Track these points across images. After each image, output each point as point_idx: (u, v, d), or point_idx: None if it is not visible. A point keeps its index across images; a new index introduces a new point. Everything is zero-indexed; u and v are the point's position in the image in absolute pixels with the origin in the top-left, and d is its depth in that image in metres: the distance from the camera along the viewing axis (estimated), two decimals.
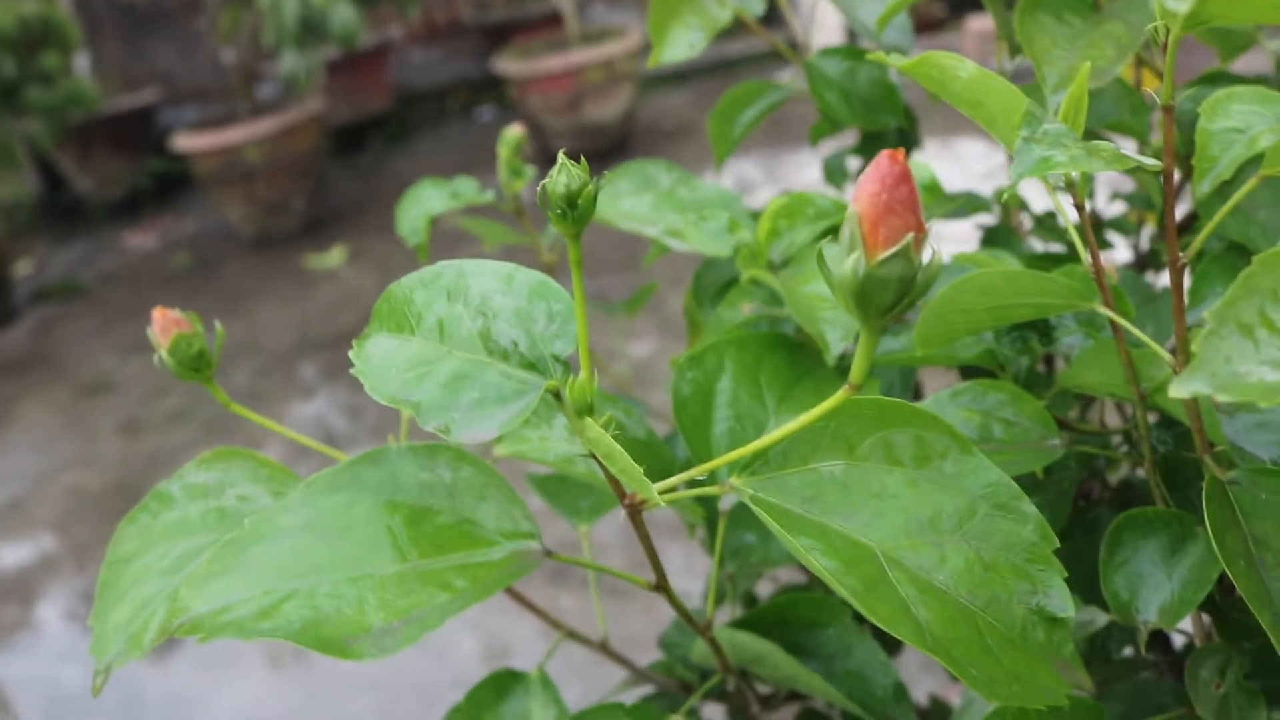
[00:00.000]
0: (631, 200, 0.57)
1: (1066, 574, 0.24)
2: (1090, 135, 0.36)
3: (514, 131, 0.59)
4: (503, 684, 0.41)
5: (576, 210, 0.25)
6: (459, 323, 0.28)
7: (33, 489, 1.97)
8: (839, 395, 0.24)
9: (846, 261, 0.22)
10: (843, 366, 0.39)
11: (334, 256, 2.89)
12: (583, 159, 0.26)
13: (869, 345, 0.23)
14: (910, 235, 0.21)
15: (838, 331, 0.38)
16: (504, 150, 0.58)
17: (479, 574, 0.29)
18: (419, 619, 0.28)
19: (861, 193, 0.22)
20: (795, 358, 0.39)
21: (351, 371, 0.29)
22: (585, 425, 0.25)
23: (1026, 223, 0.58)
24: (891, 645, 0.46)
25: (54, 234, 3.42)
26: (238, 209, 2.92)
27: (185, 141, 2.84)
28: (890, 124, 0.57)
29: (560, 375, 0.27)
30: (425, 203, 0.57)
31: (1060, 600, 0.24)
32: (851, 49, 0.57)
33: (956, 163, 2.42)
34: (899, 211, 0.21)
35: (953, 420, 0.35)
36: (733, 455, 0.26)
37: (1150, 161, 0.27)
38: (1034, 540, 0.24)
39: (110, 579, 0.36)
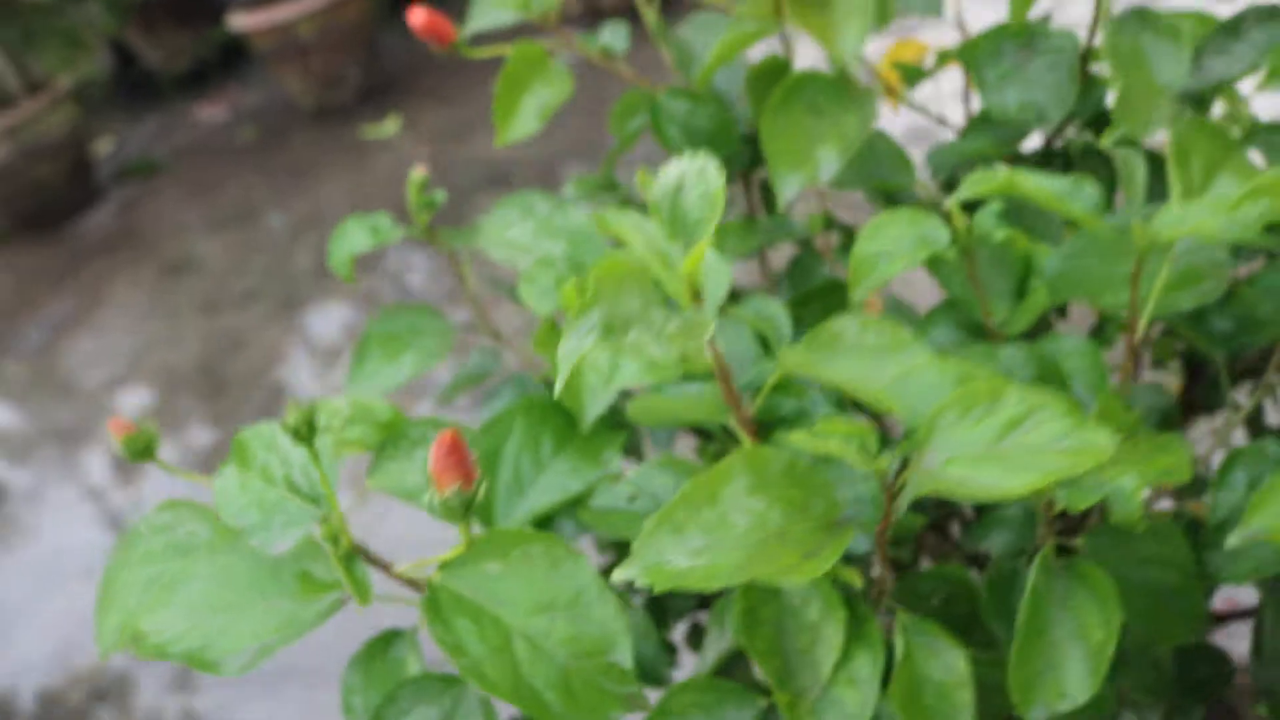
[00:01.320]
0: (517, 229, 0.71)
1: (629, 640, 0.39)
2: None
3: (419, 173, 0.73)
4: (389, 639, 0.59)
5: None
6: (273, 467, 0.44)
7: (127, 369, 2.25)
8: (496, 531, 0.40)
9: (426, 496, 0.37)
10: (598, 428, 0.53)
11: (389, 126, 3.04)
12: None
13: (464, 537, 0.39)
14: (459, 483, 0.36)
15: (597, 404, 0.52)
16: (411, 190, 0.72)
17: (306, 614, 0.46)
18: (268, 645, 0.45)
19: (430, 457, 0.36)
20: (570, 421, 0.54)
21: (214, 490, 0.46)
22: (334, 545, 0.41)
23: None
24: None
25: (130, 110, 3.64)
26: (295, 83, 3.07)
27: (240, 20, 2.97)
28: (725, 153, 0.69)
29: (327, 509, 0.43)
30: (349, 240, 0.72)
31: (624, 657, 0.39)
32: (691, 93, 0.68)
33: None
34: (452, 469, 0.36)
35: None
36: (434, 559, 0.41)
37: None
38: (610, 619, 0.39)
39: (106, 589, 0.54)
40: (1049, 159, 0.60)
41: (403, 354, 0.73)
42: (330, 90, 3.09)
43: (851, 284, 0.48)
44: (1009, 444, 0.32)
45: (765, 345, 0.59)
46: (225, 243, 2.64)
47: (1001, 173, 0.41)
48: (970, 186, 0.41)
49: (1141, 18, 0.49)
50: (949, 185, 0.63)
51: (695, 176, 0.38)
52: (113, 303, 2.51)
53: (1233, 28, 0.57)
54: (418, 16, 0.60)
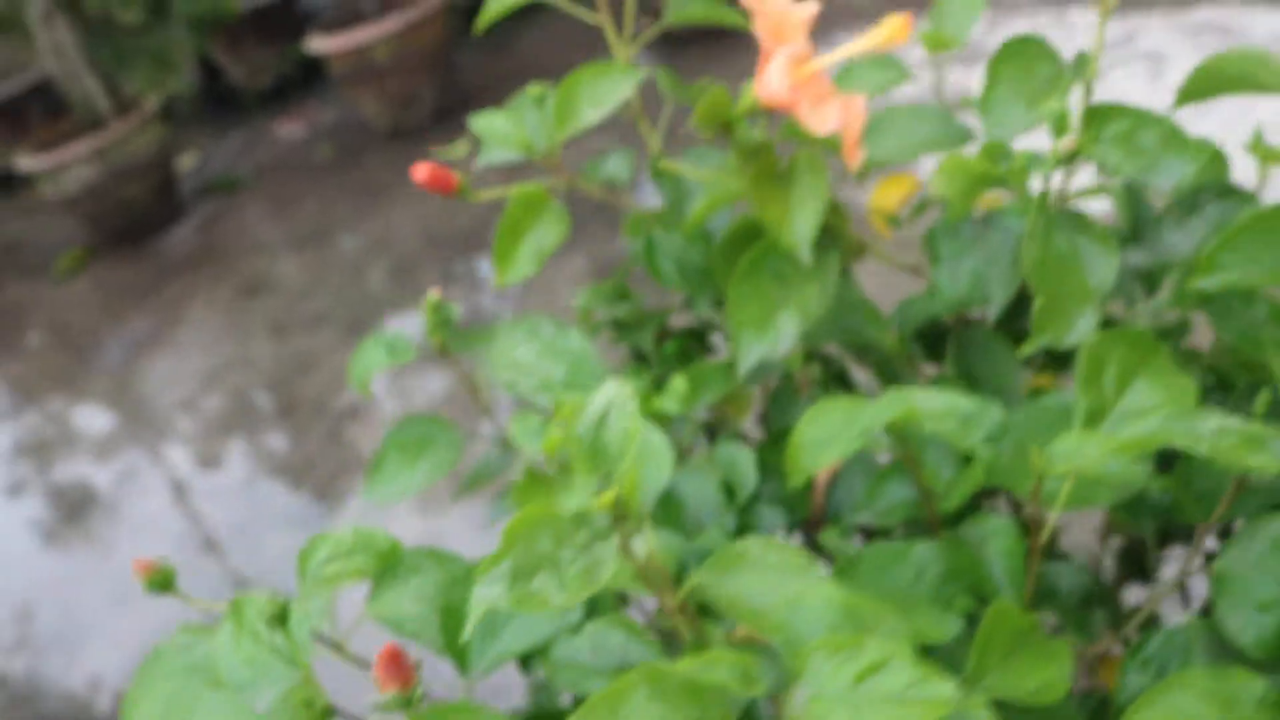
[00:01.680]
0: (522, 350, 0.77)
1: None
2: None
3: (434, 294, 0.79)
4: None
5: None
6: (262, 631, 0.51)
7: (199, 390, 2.38)
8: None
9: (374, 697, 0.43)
10: None
11: (459, 148, 3.13)
12: None
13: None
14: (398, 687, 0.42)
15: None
16: (428, 311, 0.79)
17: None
18: None
19: (375, 664, 0.42)
20: None
21: (213, 644, 0.52)
22: (306, 709, 0.47)
23: None
24: None
25: (214, 125, 3.80)
26: (371, 104, 3.18)
27: (318, 43, 3.09)
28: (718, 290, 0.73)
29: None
30: (368, 359, 0.79)
31: None
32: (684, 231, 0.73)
33: None
34: (392, 676, 0.42)
35: None
36: None
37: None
38: None
39: (131, 698, 0.62)
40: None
41: (417, 462, 0.80)
42: (405, 111, 3.19)
43: (790, 470, 0.52)
44: (864, 689, 0.37)
45: (730, 494, 0.64)
46: (298, 264, 2.76)
47: (903, 400, 0.45)
48: (876, 413, 0.46)
49: (1075, 221, 0.52)
50: (918, 336, 0.67)
51: (617, 410, 0.43)
52: (190, 322, 2.65)
53: (1190, 202, 0.60)
54: (420, 172, 0.66)
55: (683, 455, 0.69)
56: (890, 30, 0.53)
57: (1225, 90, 0.60)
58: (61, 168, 2.84)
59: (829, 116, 0.52)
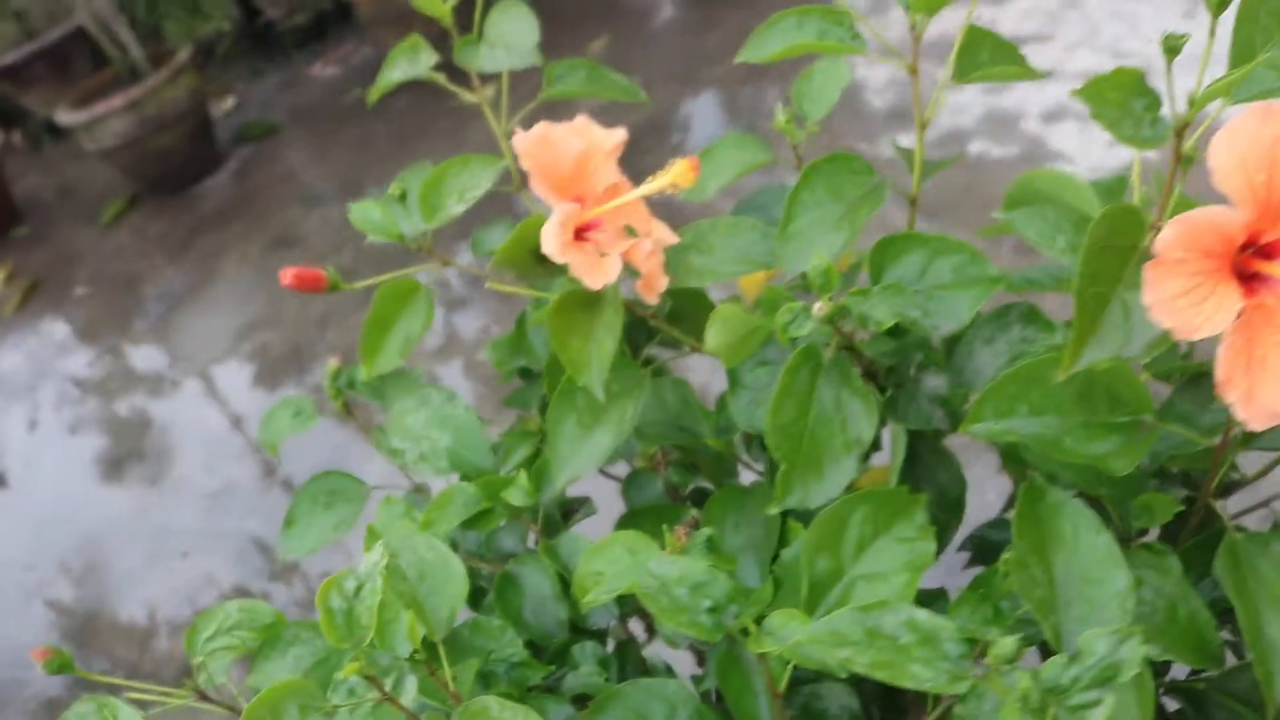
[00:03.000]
0: (412, 418, 0.82)
1: None
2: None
3: (333, 364, 0.84)
4: None
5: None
6: None
7: (228, 349, 2.49)
8: None
9: None
10: None
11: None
12: None
13: None
14: None
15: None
16: (328, 378, 0.84)
17: None
18: None
19: None
20: None
21: None
22: None
23: None
24: None
25: (251, 67, 3.87)
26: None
27: None
28: None
29: None
30: (277, 426, 0.85)
31: None
32: None
33: None
34: None
35: None
36: None
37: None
38: None
39: None
40: None
41: (326, 514, 0.86)
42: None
43: (577, 595, 0.57)
44: None
45: (565, 584, 0.69)
46: (325, 217, 2.83)
47: (642, 562, 0.49)
48: (637, 564, 0.51)
49: (843, 374, 0.55)
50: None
51: (370, 586, 0.49)
52: (223, 279, 2.76)
53: (1001, 320, 0.62)
54: (286, 278, 0.71)
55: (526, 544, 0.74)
56: (677, 173, 0.56)
57: (1039, 202, 0.62)
58: (97, 120, 2.95)
59: (606, 272, 0.55)
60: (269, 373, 2.36)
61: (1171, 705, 0.62)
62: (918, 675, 0.42)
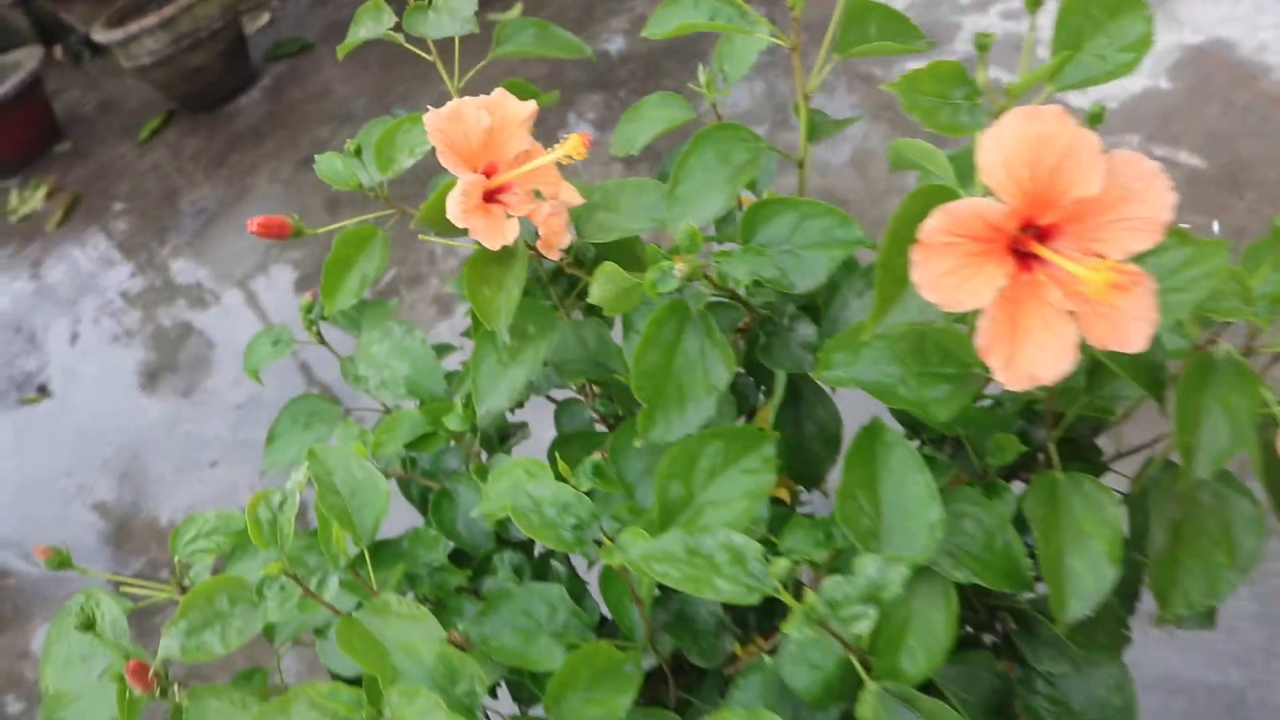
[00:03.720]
0: (377, 347, 0.91)
1: None
2: None
3: (306, 299, 0.94)
4: None
5: None
6: (102, 623, 0.69)
7: (259, 265, 2.61)
8: None
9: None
10: None
11: (514, 10, 3.19)
12: None
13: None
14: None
15: None
16: (301, 310, 0.94)
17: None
18: None
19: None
20: None
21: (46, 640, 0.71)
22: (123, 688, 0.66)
23: None
24: None
25: None
26: None
27: None
28: None
29: None
30: (258, 354, 0.95)
31: None
32: None
33: None
34: (139, 678, 0.59)
35: None
36: None
37: None
38: None
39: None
40: None
41: (305, 434, 0.97)
42: None
43: (483, 507, 0.67)
44: None
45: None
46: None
47: (523, 485, 0.58)
48: (524, 485, 0.60)
49: (705, 326, 0.63)
50: None
51: (290, 500, 0.59)
52: (256, 195, 2.87)
53: (871, 274, 0.69)
54: (253, 226, 0.79)
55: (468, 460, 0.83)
56: (569, 146, 0.64)
57: (911, 168, 0.68)
58: (131, 38, 3.04)
59: (504, 234, 0.64)
60: (299, 288, 2.47)
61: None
62: (720, 588, 0.51)
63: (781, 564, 0.49)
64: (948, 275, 0.48)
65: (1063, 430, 0.67)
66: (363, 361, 0.90)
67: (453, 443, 0.84)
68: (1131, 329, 0.49)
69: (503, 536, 0.78)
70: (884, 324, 0.53)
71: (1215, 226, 1.66)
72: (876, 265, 0.52)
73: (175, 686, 0.66)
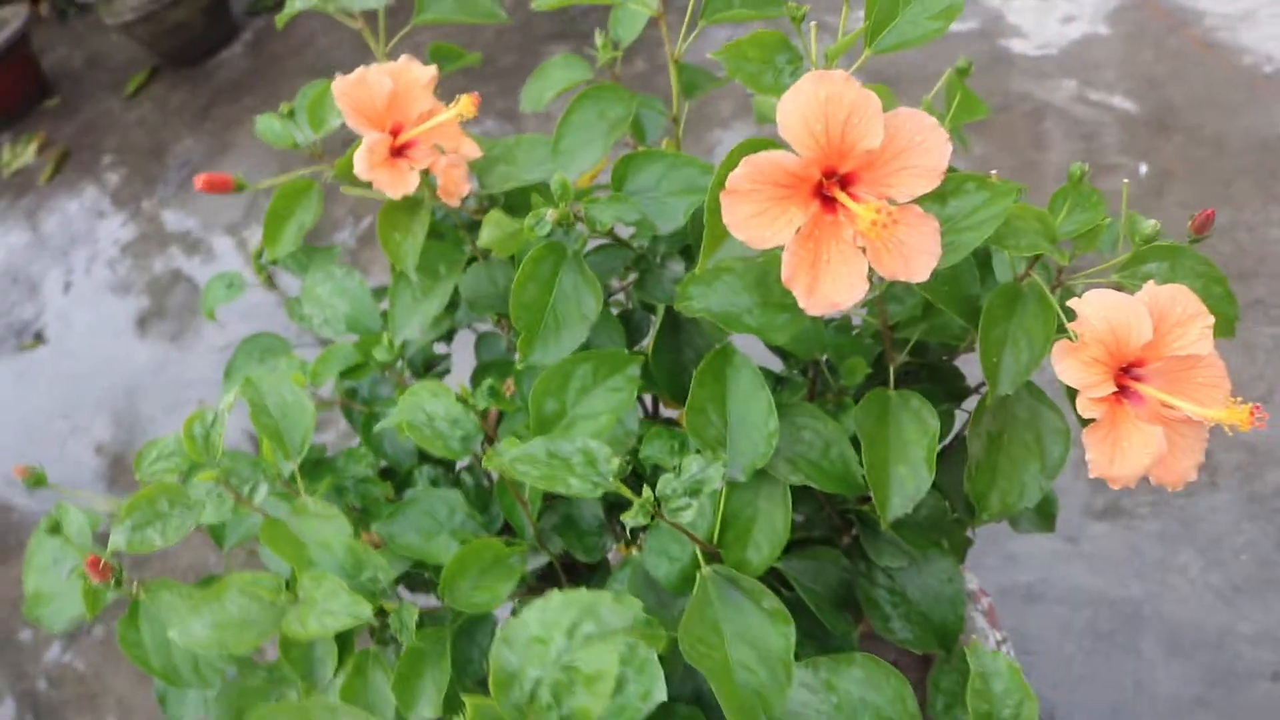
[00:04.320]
0: (321, 288, 0.99)
1: None
2: None
3: (256, 247, 1.02)
4: None
5: None
6: (70, 534, 0.78)
7: (244, 216, 2.68)
8: None
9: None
10: None
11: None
12: None
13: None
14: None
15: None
16: (253, 258, 1.02)
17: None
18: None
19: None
20: None
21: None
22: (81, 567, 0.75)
23: None
24: None
25: None
26: None
27: None
28: None
29: None
30: (212, 294, 1.03)
31: None
32: None
33: None
34: (96, 571, 0.68)
35: None
36: None
37: None
38: None
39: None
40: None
41: (260, 366, 1.05)
42: None
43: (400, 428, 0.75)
44: (325, 604, 0.61)
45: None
46: None
47: (419, 402, 0.67)
48: (432, 403, 0.68)
49: (579, 266, 0.71)
50: None
51: (219, 421, 0.67)
52: (238, 149, 2.93)
53: None
54: (198, 182, 0.87)
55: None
56: (461, 106, 0.72)
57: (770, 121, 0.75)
58: None
59: (405, 185, 0.71)
60: None
61: None
62: (571, 484, 0.60)
63: (615, 463, 0.58)
64: (754, 217, 0.56)
65: (907, 354, 0.76)
66: (308, 301, 0.99)
67: (386, 373, 0.93)
68: (917, 262, 0.57)
69: (425, 453, 0.86)
70: (713, 260, 0.61)
71: (1143, 168, 1.73)
72: (705, 209, 0.60)
73: (135, 583, 0.75)
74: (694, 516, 0.58)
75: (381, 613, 0.65)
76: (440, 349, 0.98)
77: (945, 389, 0.79)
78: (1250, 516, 1.38)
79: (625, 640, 0.52)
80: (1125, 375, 0.60)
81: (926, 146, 0.56)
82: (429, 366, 0.94)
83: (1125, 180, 0.79)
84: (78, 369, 2.42)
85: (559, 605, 0.45)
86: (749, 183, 0.55)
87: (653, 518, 0.59)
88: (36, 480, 0.86)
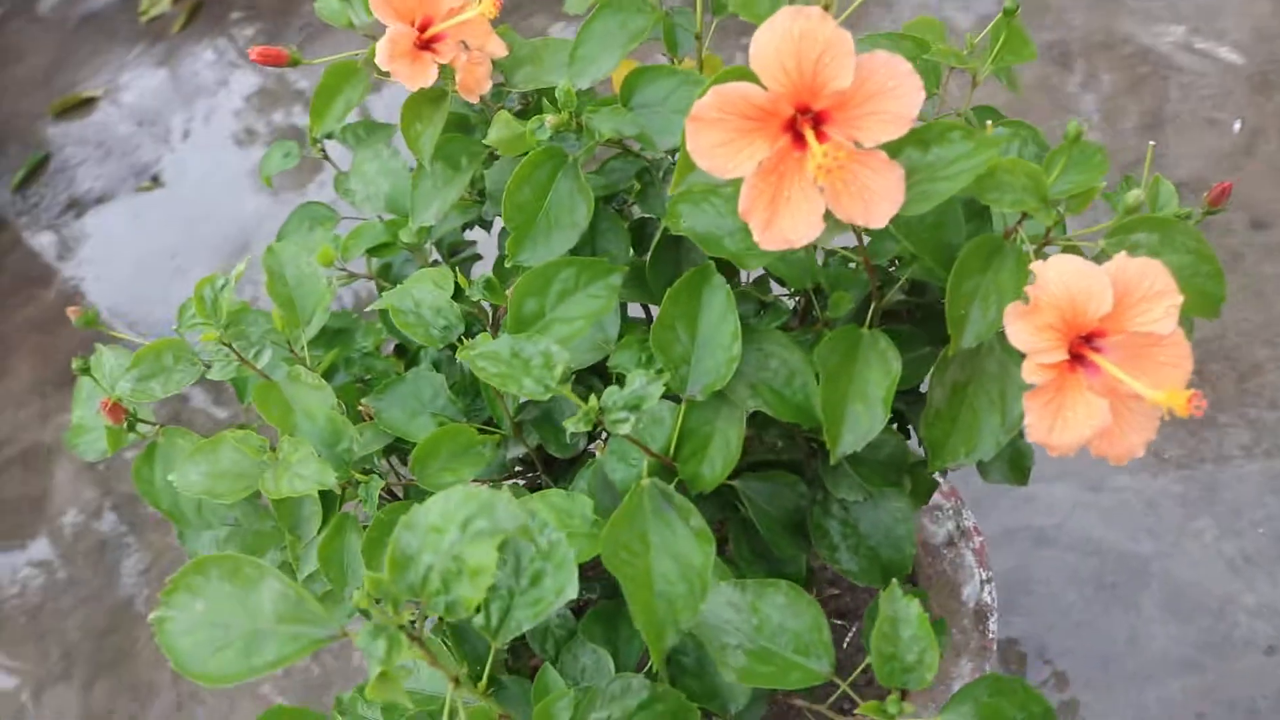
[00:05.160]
0: (369, 165, 1.00)
1: None
2: None
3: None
4: None
5: None
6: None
7: None
8: None
9: None
10: None
11: None
12: None
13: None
14: None
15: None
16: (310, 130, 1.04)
17: None
18: None
19: None
20: None
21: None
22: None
23: None
24: None
25: None
26: None
27: None
28: None
29: None
30: (271, 162, 1.06)
31: None
32: None
33: None
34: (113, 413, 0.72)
35: None
36: None
37: None
38: None
39: None
40: None
41: (310, 234, 1.08)
42: None
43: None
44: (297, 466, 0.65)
45: None
46: None
47: (409, 294, 0.68)
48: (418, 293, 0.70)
49: (574, 173, 0.70)
50: None
51: (228, 287, 0.70)
52: None
53: None
54: (254, 54, 0.88)
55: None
56: (484, 6, 0.71)
57: None
58: None
59: (423, 77, 0.72)
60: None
61: None
62: (525, 385, 0.61)
63: (559, 369, 0.59)
64: (719, 146, 0.55)
65: (905, 293, 0.74)
66: (355, 176, 1.01)
67: (414, 254, 0.95)
68: (877, 208, 0.56)
69: None
70: (685, 184, 0.61)
71: (1236, 125, 1.63)
72: (684, 134, 0.59)
73: (157, 428, 0.79)
74: (632, 430, 0.59)
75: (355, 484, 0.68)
76: (473, 237, 1.00)
77: (932, 332, 0.78)
78: (1275, 491, 1.33)
79: (550, 537, 0.54)
80: (1084, 344, 0.58)
81: (899, 93, 0.54)
82: (454, 253, 0.95)
83: (1151, 143, 0.75)
84: (190, 214, 2.51)
85: (459, 500, 0.46)
86: (715, 111, 0.54)
87: (596, 426, 0.60)
88: (86, 321, 0.91)
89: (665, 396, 0.69)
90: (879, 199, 0.56)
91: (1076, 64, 1.76)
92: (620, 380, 0.63)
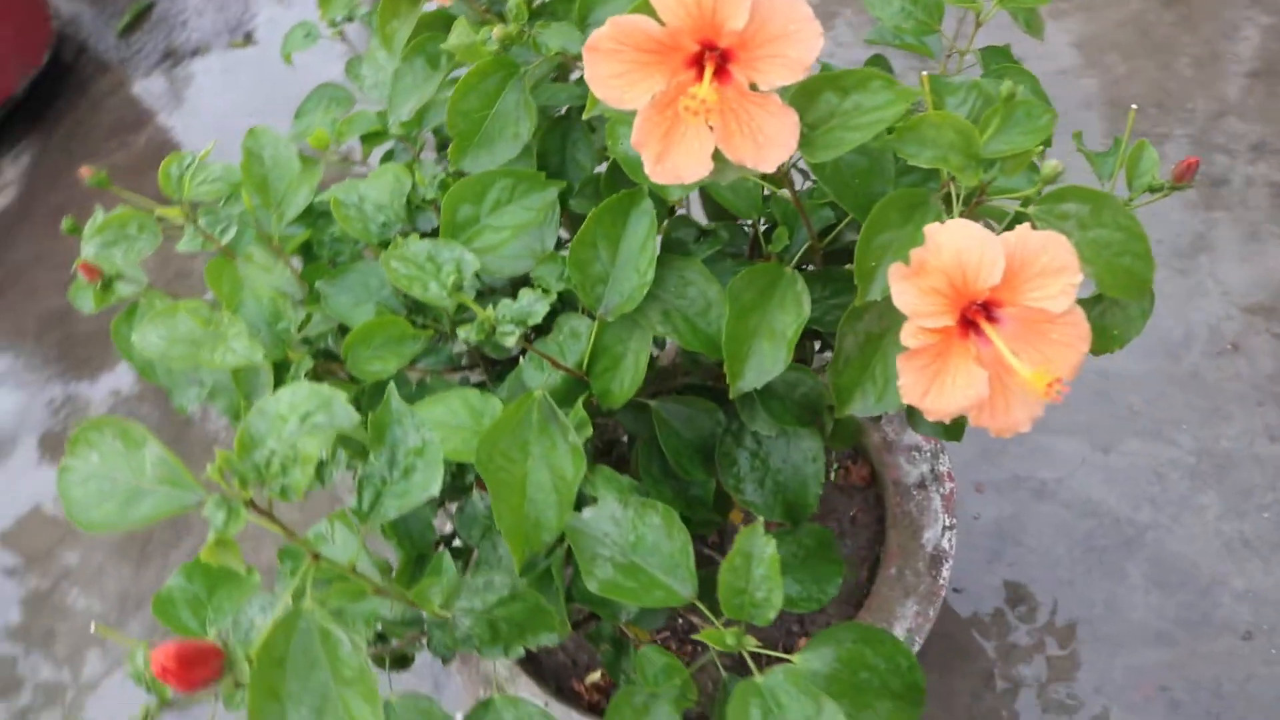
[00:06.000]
0: (380, 53, 1.03)
1: None
2: None
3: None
4: None
5: None
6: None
7: None
8: None
9: None
10: None
11: None
12: None
13: None
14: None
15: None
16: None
17: None
18: None
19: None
20: None
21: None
22: None
23: None
24: None
25: None
26: None
27: None
28: None
29: None
30: (292, 41, 1.09)
31: None
32: None
33: None
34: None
35: None
36: None
37: None
38: None
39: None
40: None
41: (326, 113, 1.12)
42: None
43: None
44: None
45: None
46: None
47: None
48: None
49: (524, 86, 0.72)
50: None
51: (196, 160, 0.74)
52: None
53: None
54: None
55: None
56: None
57: None
58: None
59: None
60: None
61: None
62: (429, 289, 0.64)
63: (453, 278, 0.61)
64: (614, 77, 0.56)
65: (832, 238, 0.74)
66: (368, 61, 1.03)
67: (404, 144, 0.98)
68: (768, 152, 0.57)
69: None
70: (597, 110, 0.62)
71: None
72: None
73: (141, 289, 0.85)
74: (514, 343, 0.62)
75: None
76: None
77: None
78: None
79: (425, 436, 0.58)
80: (981, 313, 0.58)
81: (799, 38, 0.54)
82: (445, 145, 0.98)
83: (1134, 106, 0.72)
84: (277, 73, 2.57)
85: (304, 394, 0.50)
86: (611, 43, 0.55)
87: (487, 335, 0.63)
88: (98, 182, 0.97)
89: (587, 314, 0.71)
90: (770, 143, 0.56)
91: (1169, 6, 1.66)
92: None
